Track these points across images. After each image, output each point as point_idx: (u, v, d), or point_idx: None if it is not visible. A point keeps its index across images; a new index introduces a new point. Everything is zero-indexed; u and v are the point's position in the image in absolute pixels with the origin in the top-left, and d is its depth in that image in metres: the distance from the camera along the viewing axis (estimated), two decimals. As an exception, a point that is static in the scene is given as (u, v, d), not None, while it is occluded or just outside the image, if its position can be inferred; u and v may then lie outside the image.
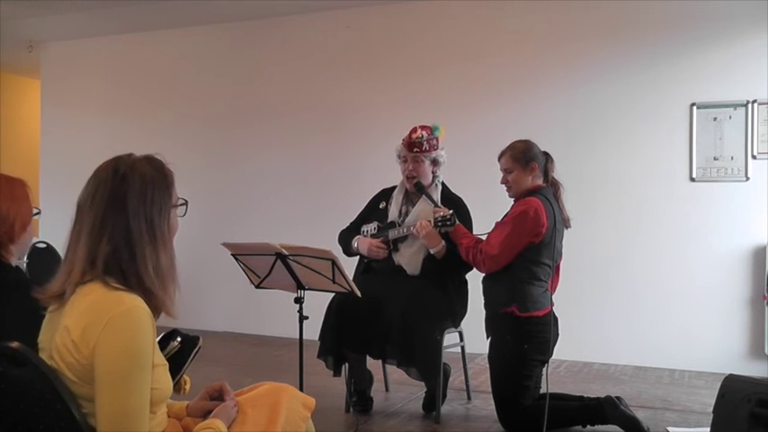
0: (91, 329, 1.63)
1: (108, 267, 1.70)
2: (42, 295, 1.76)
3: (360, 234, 4.18)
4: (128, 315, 1.64)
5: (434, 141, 4.07)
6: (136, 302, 1.67)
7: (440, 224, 3.83)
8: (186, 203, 1.90)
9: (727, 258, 5.27)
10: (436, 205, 3.97)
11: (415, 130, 4.05)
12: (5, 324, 1.88)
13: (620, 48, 5.58)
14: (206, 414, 1.94)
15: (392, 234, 4.05)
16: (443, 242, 3.90)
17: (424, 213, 3.99)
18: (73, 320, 1.66)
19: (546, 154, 3.83)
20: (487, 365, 3.86)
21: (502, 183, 3.84)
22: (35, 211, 2.37)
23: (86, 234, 1.72)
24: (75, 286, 1.71)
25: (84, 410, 1.67)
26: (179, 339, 2.47)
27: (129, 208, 1.73)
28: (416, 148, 4.02)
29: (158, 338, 2.46)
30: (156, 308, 1.73)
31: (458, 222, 3.87)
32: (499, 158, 3.85)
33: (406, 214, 4.13)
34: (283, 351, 5.84)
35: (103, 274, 1.69)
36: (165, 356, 2.29)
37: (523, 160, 3.74)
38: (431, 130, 4.07)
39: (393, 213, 4.16)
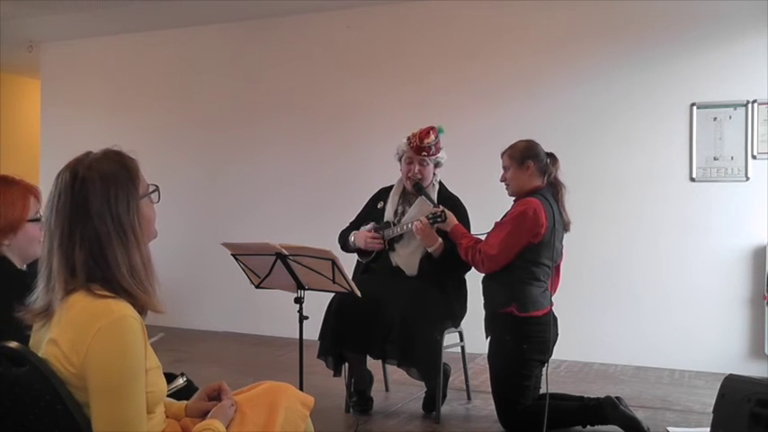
0: (80, 340, 1.60)
1: (89, 274, 1.66)
2: (27, 314, 1.72)
3: (358, 234, 4.19)
4: (117, 325, 1.61)
5: (439, 144, 4.08)
6: (125, 311, 1.63)
7: (431, 221, 3.84)
8: (157, 189, 1.82)
9: (727, 258, 5.27)
10: (435, 205, 3.97)
11: (427, 134, 4.01)
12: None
13: (620, 48, 5.58)
14: (204, 414, 1.93)
15: (387, 234, 4.05)
16: (440, 240, 3.91)
17: (422, 213, 4.00)
18: (59, 332, 1.64)
19: (550, 155, 3.83)
20: (487, 365, 3.86)
21: (501, 180, 3.86)
22: (36, 216, 2.33)
23: (57, 245, 1.68)
24: (60, 299, 1.67)
25: (85, 412, 1.66)
26: (185, 378, 2.51)
27: (93, 212, 1.67)
28: (425, 152, 4.02)
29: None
30: (141, 308, 1.70)
31: (456, 222, 3.88)
32: (502, 156, 3.87)
33: (402, 214, 4.13)
34: (283, 351, 5.84)
35: (87, 282, 1.66)
36: (169, 392, 2.29)
37: (519, 159, 3.76)
38: (436, 132, 4.07)
39: (389, 213, 4.16)
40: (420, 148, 4.02)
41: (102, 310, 1.62)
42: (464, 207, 4.11)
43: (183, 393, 2.44)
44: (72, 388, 1.64)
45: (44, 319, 1.71)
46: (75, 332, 1.62)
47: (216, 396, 2.01)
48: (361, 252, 4.18)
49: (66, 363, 1.62)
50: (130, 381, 1.61)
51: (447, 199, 4.09)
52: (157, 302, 1.74)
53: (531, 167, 3.75)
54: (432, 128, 4.06)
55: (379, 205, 4.25)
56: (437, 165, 4.11)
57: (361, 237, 4.12)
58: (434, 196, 4.08)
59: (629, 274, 5.51)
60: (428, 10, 6.15)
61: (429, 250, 3.94)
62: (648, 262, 5.47)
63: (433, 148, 4.03)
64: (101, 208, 1.68)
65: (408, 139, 4.08)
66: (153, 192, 1.82)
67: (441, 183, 4.19)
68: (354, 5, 6.32)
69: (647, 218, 5.48)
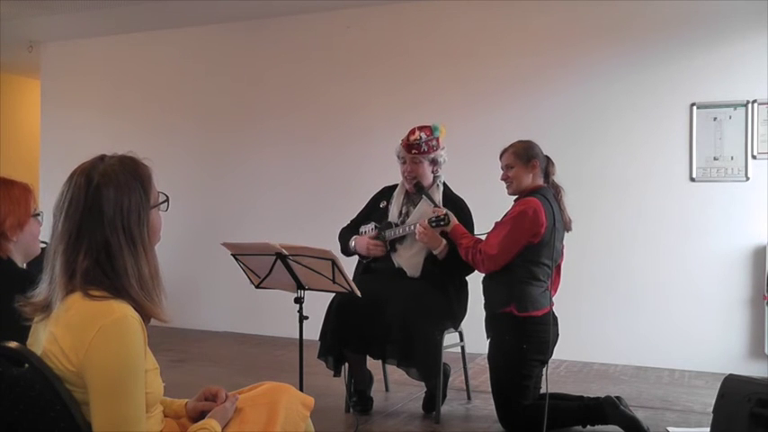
0: (79, 341, 1.60)
1: (88, 279, 1.65)
2: (27, 306, 1.72)
3: (358, 235, 4.18)
4: (117, 324, 1.61)
5: (434, 142, 4.05)
6: (125, 310, 1.63)
7: (433, 224, 3.83)
8: (167, 199, 1.83)
9: (727, 258, 5.27)
10: (436, 206, 3.96)
11: (413, 131, 4.02)
12: (2, 317, 1.87)
13: (620, 48, 5.58)
14: (201, 415, 1.93)
15: (389, 235, 4.04)
16: (445, 242, 3.89)
17: (425, 214, 3.98)
18: (59, 331, 1.64)
19: (547, 157, 3.83)
20: (487, 365, 3.86)
21: (502, 179, 3.84)
22: (35, 212, 2.38)
23: (63, 247, 1.68)
24: (61, 299, 1.67)
25: (84, 411, 1.66)
26: None
27: (105, 221, 1.67)
28: (414, 149, 4.01)
29: None
30: (145, 315, 1.70)
31: (456, 222, 3.87)
32: (501, 155, 3.86)
33: (407, 215, 4.12)
34: (283, 351, 5.84)
35: (84, 284, 1.65)
36: None
37: (525, 157, 3.75)
38: (430, 130, 4.04)
39: (393, 214, 4.14)
40: (409, 145, 4.02)
41: (102, 310, 1.62)
42: (468, 209, 4.09)
43: None
44: (71, 386, 1.65)
45: (44, 313, 1.71)
46: (74, 333, 1.62)
47: (212, 399, 1.99)
48: (361, 254, 4.18)
49: (66, 361, 1.63)
50: (130, 380, 1.61)
51: (451, 200, 4.07)
52: (162, 312, 1.74)
53: (536, 166, 3.75)
54: (421, 126, 4.04)
55: (382, 204, 4.24)
56: (435, 163, 4.07)
57: (362, 243, 4.09)
58: (438, 197, 4.06)
59: (629, 274, 5.51)
60: (428, 10, 6.15)
61: (434, 252, 3.93)
62: (648, 262, 5.47)
63: (423, 145, 4.00)
64: (113, 218, 1.67)
65: (402, 140, 4.08)
66: (163, 202, 1.82)
67: (445, 184, 4.17)
68: (354, 5, 6.33)
69: (647, 218, 5.48)
